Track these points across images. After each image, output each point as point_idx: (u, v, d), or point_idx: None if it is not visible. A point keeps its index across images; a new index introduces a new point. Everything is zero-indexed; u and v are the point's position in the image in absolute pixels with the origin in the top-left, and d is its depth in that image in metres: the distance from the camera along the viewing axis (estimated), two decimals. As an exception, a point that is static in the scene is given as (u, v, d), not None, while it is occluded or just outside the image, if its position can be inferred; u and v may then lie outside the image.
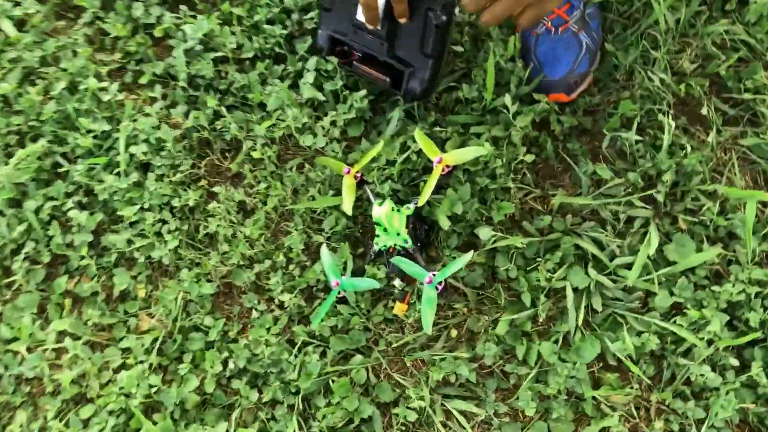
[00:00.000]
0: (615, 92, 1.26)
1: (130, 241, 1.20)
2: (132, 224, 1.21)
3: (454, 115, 1.23)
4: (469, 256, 1.04)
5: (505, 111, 1.19)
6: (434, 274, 1.04)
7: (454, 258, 1.16)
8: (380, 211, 1.10)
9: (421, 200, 1.11)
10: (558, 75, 1.21)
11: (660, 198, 1.16)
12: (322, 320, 1.12)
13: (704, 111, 1.22)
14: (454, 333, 1.16)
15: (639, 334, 1.12)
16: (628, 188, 1.18)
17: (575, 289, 1.14)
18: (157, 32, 1.32)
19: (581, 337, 1.12)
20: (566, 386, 1.09)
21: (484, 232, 1.14)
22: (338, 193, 1.11)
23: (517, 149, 1.18)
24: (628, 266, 1.13)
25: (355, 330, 1.14)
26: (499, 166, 1.16)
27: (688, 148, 1.17)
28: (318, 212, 1.14)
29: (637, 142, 1.19)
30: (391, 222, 1.11)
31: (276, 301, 1.17)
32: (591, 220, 1.18)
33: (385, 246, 1.12)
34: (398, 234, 1.11)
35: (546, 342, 1.11)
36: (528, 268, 1.15)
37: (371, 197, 1.15)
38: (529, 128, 1.19)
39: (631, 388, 1.11)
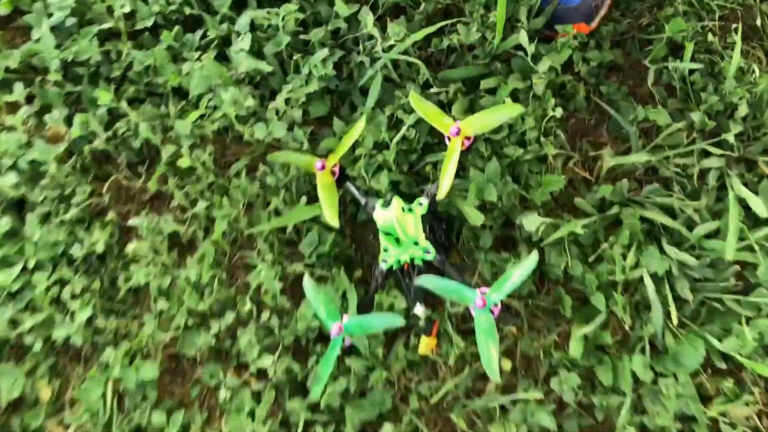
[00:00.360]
0: (645, 13, 0.98)
1: (14, 322, 0.80)
2: (13, 295, 0.80)
3: (450, 69, 0.95)
4: (534, 259, 0.72)
5: (520, 54, 0.91)
6: (485, 292, 0.71)
7: (493, 263, 0.86)
8: (389, 215, 0.79)
9: (441, 191, 0.81)
10: (575, 0, 0.95)
11: (731, 139, 0.91)
12: (326, 385, 0.80)
13: (758, 22, 0.96)
14: (507, 365, 0.86)
15: (746, 321, 0.85)
16: (692, 133, 0.93)
17: (652, 277, 0.87)
18: (2, 7, 0.90)
19: (677, 340, 0.84)
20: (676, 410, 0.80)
21: (531, 221, 0.84)
22: (313, 199, 0.87)
23: (543, 103, 0.89)
24: (712, 235, 0.88)
25: (376, 390, 0.80)
26: (530, 129, 0.86)
27: (756, 71, 0.90)
28: (289, 231, 0.88)
29: (691, 71, 0.93)
30: (404, 228, 0.78)
31: (253, 369, 0.84)
32: (650, 181, 0.93)
33: (397, 262, 0.82)
34: (416, 243, 0.80)
35: (637, 356, 0.82)
36: (590, 260, 0.87)
37: (359, 197, 0.86)
38: (557, 72, 0.89)
39: (750, 393, 0.83)
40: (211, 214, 0.88)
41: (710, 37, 0.96)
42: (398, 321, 0.77)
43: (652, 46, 0.97)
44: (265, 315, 0.85)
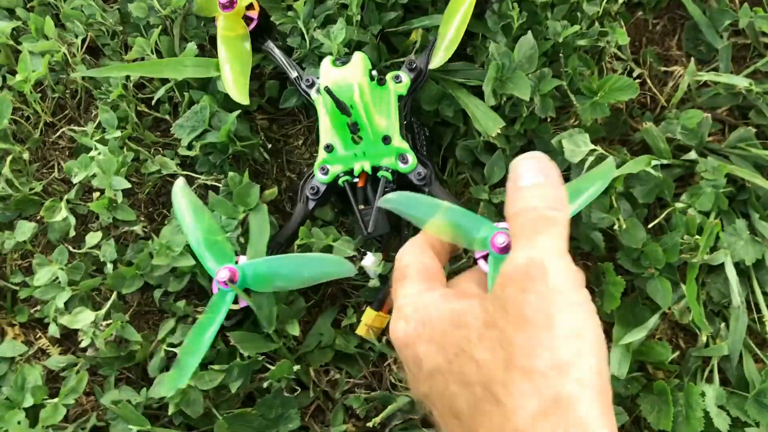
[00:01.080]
0: None
1: None
2: None
3: None
4: (611, 165, 0.46)
5: None
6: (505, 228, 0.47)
7: (503, 206, 0.58)
8: (344, 76, 0.51)
9: (437, 55, 0.56)
10: None
11: None
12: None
13: None
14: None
15: None
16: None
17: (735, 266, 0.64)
18: None
19: (765, 371, 0.62)
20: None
21: (575, 145, 0.59)
22: (208, 54, 0.64)
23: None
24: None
25: (274, 396, 0.53)
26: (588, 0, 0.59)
27: None
28: (159, 95, 0.62)
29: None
30: (369, 109, 0.52)
31: (53, 330, 0.55)
32: (737, 124, 0.69)
33: (348, 173, 0.55)
34: (384, 140, 0.54)
35: (708, 387, 0.59)
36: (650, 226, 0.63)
37: (287, 66, 0.61)
38: None
39: None
40: (19, 42, 0.61)
41: None
42: (344, 268, 0.51)
43: None
44: (92, 238, 0.57)
